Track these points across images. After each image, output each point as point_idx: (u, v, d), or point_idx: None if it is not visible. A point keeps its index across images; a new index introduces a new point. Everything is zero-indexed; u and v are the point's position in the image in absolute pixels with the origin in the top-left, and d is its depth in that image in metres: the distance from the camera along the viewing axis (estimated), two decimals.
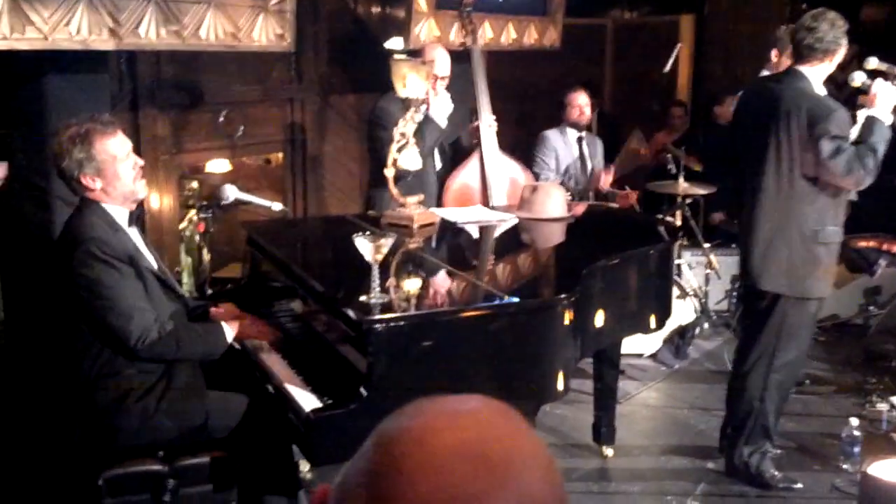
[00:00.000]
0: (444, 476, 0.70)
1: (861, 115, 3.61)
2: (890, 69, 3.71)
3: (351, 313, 2.67)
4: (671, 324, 5.33)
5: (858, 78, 3.64)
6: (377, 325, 2.58)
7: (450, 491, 0.69)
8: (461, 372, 2.68)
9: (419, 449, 0.71)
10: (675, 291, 5.37)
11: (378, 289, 2.75)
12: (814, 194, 3.59)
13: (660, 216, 5.59)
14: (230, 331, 2.97)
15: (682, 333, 5.44)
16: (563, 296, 2.86)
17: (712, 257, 5.75)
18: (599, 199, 5.61)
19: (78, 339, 2.86)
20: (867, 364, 5.18)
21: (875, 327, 5.40)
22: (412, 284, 3.00)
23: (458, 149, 4.87)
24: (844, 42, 3.57)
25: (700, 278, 5.83)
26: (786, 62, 4.79)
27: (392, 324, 2.61)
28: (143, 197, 3.06)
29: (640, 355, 5.37)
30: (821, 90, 3.62)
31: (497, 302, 2.81)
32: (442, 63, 4.40)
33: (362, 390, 2.53)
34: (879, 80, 3.60)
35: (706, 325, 5.75)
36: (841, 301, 5.74)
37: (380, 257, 2.77)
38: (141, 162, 2.95)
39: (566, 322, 2.83)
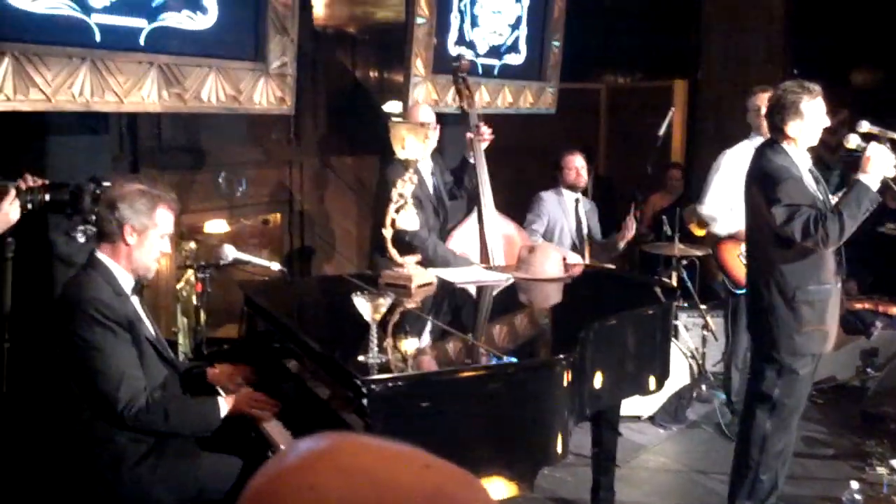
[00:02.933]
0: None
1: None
2: (882, 132, 3.75)
3: (349, 373, 2.65)
4: (669, 386, 5.32)
5: (853, 140, 3.70)
6: (375, 385, 2.56)
7: None
8: (459, 433, 2.66)
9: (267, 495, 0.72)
10: (676, 353, 5.40)
11: (376, 348, 2.73)
12: (789, 255, 3.68)
13: (656, 277, 5.60)
14: (225, 406, 2.94)
15: (680, 395, 5.41)
16: (561, 356, 2.85)
17: (709, 318, 5.75)
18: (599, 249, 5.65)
19: (71, 401, 2.85)
20: (865, 427, 5.15)
21: (873, 389, 5.38)
22: (410, 344, 3.00)
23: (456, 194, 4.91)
24: (806, 107, 3.63)
25: (697, 340, 5.83)
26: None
27: (390, 384, 2.60)
28: (149, 278, 3.12)
29: (638, 417, 5.33)
30: (800, 159, 3.70)
31: (495, 362, 2.80)
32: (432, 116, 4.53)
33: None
34: (874, 144, 3.64)
35: (704, 387, 5.72)
36: (838, 363, 5.73)
37: (378, 317, 2.77)
38: (169, 250, 3.06)
39: (565, 383, 2.81)
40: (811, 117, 3.65)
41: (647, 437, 5.15)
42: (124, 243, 2.88)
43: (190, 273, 4.90)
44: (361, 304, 2.77)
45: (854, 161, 4.11)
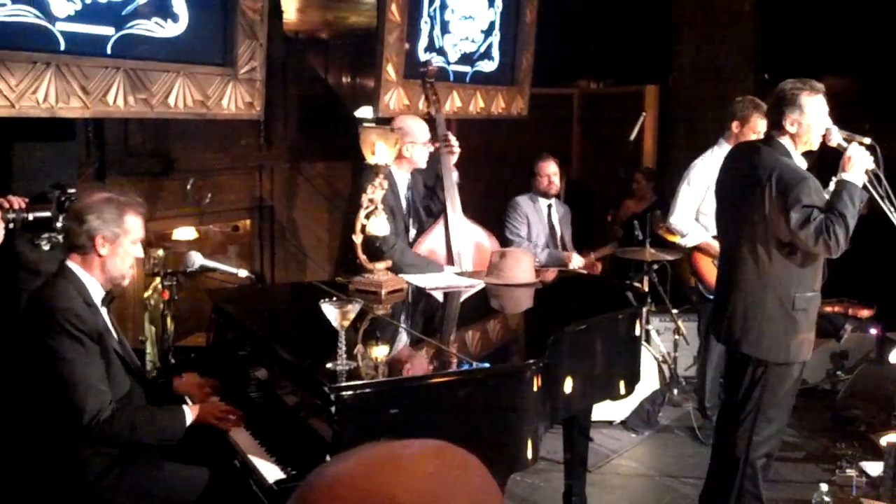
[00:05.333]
0: None
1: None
2: (850, 136, 3.73)
3: (317, 381, 2.63)
4: (641, 390, 5.33)
5: (835, 138, 3.63)
6: (344, 393, 2.54)
7: None
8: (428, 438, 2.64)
9: (328, 487, 0.71)
10: (648, 357, 5.41)
11: (345, 356, 2.71)
12: (790, 260, 3.60)
13: (628, 282, 5.61)
14: (190, 415, 2.91)
15: (652, 400, 5.42)
16: (531, 361, 2.84)
17: (680, 323, 5.77)
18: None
19: (35, 412, 2.80)
20: (836, 429, 5.18)
21: (842, 392, 5.41)
22: (379, 351, 2.98)
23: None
24: (805, 101, 3.57)
25: (669, 344, 5.84)
26: (746, 133, 4.89)
27: (358, 391, 2.58)
28: (124, 285, 3.07)
29: (610, 423, 5.34)
30: (799, 159, 3.65)
31: (465, 368, 2.79)
32: (422, 132, 4.49)
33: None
34: (855, 144, 3.60)
35: (675, 392, 5.74)
36: (808, 366, 5.71)
37: (346, 323, 2.74)
38: (141, 255, 3.00)
39: (535, 388, 2.80)
40: (811, 113, 3.57)
41: (619, 442, 5.16)
42: (97, 254, 2.84)
43: (157, 281, 4.84)
44: (329, 310, 2.75)
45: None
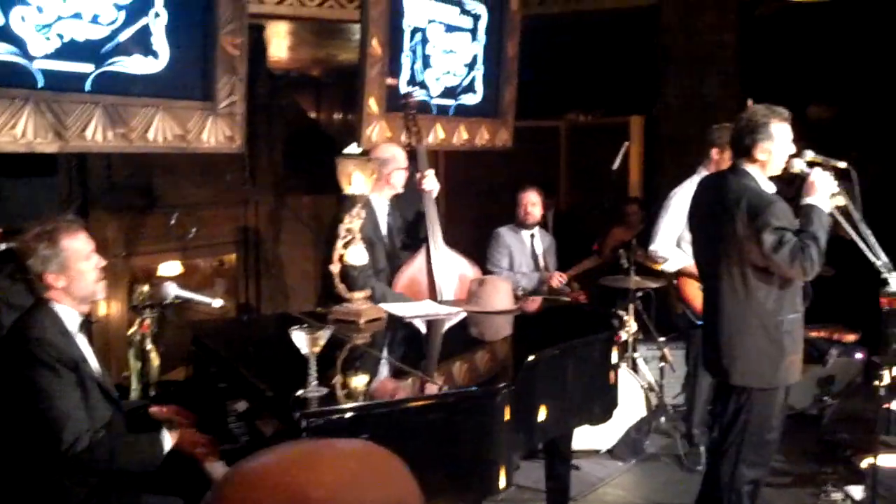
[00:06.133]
0: None
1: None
2: (825, 161, 3.80)
3: (287, 407, 2.64)
4: (627, 419, 5.33)
5: (798, 164, 3.69)
6: (313, 419, 2.55)
7: None
8: None
9: (242, 485, 0.73)
10: (633, 385, 5.41)
11: (315, 382, 2.73)
12: (768, 284, 3.62)
13: (613, 310, 5.63)
14: (168, 441, 2.92)
15: (638, 428, 5.41)
16: (501, 385, 2.86)
17: (666, 351, 5.78)
18: (552, 295, 5.67)
19: (15, 444, 2.82)
20: (822, 454, 5.17)
21: (829, 417, 5.41)
22: (351, 377, 3.00)
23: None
24: (775, 129, 3.62)
25: (655, 372, 5.85)
26: (726, 159, 4.94)
27: (327, 417, 2.59)
28: (101, 298, 3.07)
29: (597, 451, 5.32)
30: (766, 185, 3.68)
31: (434, 392, 2.81)
32: (400, 157, 4.56)
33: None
34: (818, 169, 3.66)
35: (663, 419, 5.73)
36: (795, 392, 5.70)
37: (317, 350, 2.76)
38: (103, 262, 2.98)
39: (506, 411, 2.82)
40: (780, 140, 3.62)
41: (605, 470, 5.14)
42: (55, 288, 2.86)
43: (148, 319, 4.86)
44: (299, 337, 2.77)
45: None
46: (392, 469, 0.83)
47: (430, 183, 4.71)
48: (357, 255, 3.85)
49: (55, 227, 2.83)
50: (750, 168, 3.67)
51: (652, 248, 5.31)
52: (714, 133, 5.07)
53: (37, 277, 2.83)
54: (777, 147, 3.63)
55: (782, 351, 3.64)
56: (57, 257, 2.81)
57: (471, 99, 6.19)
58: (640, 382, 5.52)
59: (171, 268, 5.17)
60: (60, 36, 3.55)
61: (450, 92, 5.99)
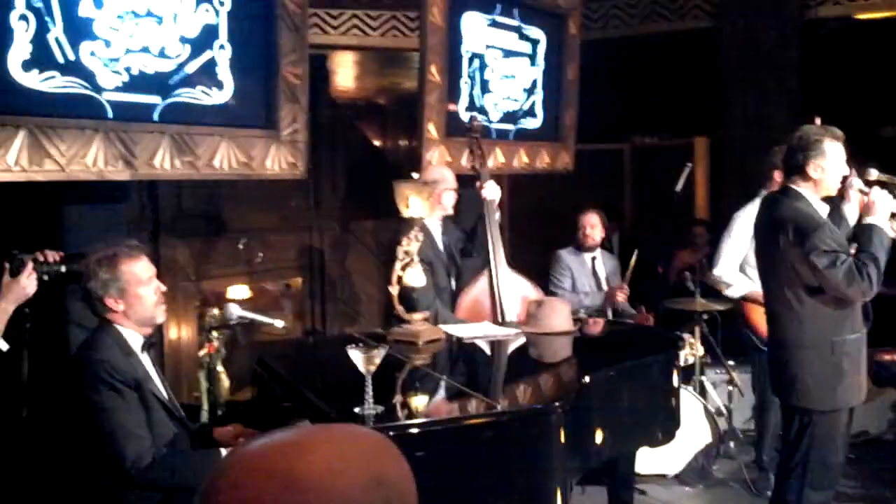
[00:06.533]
0: (246, 489, 0.75)
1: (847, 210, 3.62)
2: (890, 179, 3.74)
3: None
4: (695, 443, 5.25)
5: (857, 183, 3.67)
6: None
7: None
8: (455, 483, 2.67)
9: (234, 469, 0.77)
10: (700, 409, 5.33)
11: (371, 400, 2.78)
12: (823, 305, 3.57)
13: (677, 333, 5.55)
14: None
15: (706, 453, 5.31)
16: (557, 403, 2.86)
17: (734, 374, 5.68)
18: (617, 316, 5.63)
19: (83, 462, 2.92)
20: None
21: None
22: (408, 396, 3.03)
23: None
24: (828, 147, 3.58)
25: (723, 396, 5.74)
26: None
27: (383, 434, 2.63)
28: (161, 322, 3.18)
29: (664, 476, 5.25)
30: (819, 206, 3.64)
31: (490, 411, 2.82)
32: (449, 178, 4.63)
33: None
34: (877, 189, 3.62)
35: (731, 444, 5.62)
36: (869, 416, 5.60)
37: (373, 368, 2.81)
38: (163, 287, 3.08)
39: (562, 431, 2.81)
40: (833, 159, 3.58)
41: (672, 495, 5.06)
42: (115, 311, 2.97)
43: (214, 340, 5.00)
44: (356, 355, 2.82)
45: None
46: (383, 451, 0.86)
47: (491, 190, 4.73)
48: (415, 276, 3.91)
49: (115, 253, 2.94)
50: (802, 188, 3.63)
51: (715, 272, 5.25)
52: (776, 155, 4.98)
53: (98, 300, 2.94)
54: (830, 165, 3.59)
55: (841, 372, 3.58)
56: (117, 281, 2.92)
57: (531, 123, 6.23)
58: (707, 406, 5.43)
59: (239, 291, 5.30)
60: (129, 69, 3.71)
61: (510, 117, 6.03)
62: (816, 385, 3.60)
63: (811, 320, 3.59)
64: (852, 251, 3.56)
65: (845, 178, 3.68)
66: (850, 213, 3.77)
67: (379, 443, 0.86)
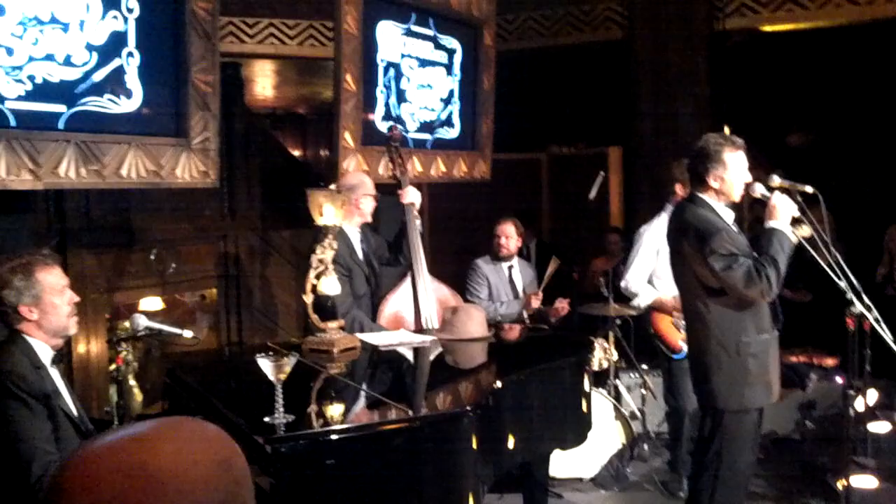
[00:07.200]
0: (102, 489, 0.75)
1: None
2: (792, 186, 3.85)
3: (250, 434, 2.67)
4: (609, 446, 5.34)
5: (759, 189, 3.75)
6: (278, 445, 2.58)
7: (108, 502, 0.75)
8: (367, 490, 2.67)
9: (80, 470, 0.78)
10: (612, 413, 5.44)
11: (282, 409, 2.76)
12: (727, 307, 3.68)
13: (591, 337, 5.65)
14: None
15: (621, 456, 5.42)
16: (468, 407, 2.89)
17: (647, 378, 5.80)
18: (536, 321, 5.69)
19: None
20: (803, 478, 5.17)
21: (809, 440, 5.42)
22: (320, 404, 3.02)
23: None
24: (728, 157, 3.68)
25: (637, 399, 5.86)
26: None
27: (292, 443, 2.62)
28: (73, 333, 3.12)
29: (579, 479, 5.32)
30: (724, 212, 3.75)
31: (400, 417, 2.83)
32: (367, 184, 4.64)
33: None
34: (777, 193, 3.72)
35: (645, 446, 5.74)
36: (777, 417, 5.76)
37: (283, 377, 2.79)
38: (76, 298, 3.03)
39: (473, 436, 2.84)
40: (733, 168, 3.69)
41: (587, 499, 5.14)
42: (28, 321, 2.90)
43: (123, 352, 4.89)
44: (265, 364, 2.80)
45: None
46: (210, 434, 0.89)
47: (412, 195, 4.75)
48: (330, 285, 3.90)
49: (30, 261, 2.89)
50: (706, 196, 3.75)
51: (623, 283, 5.38)
52: (676, 169, 5.12)
53: (11, 309, 2.87)
54: (731, 175, 3.70)
55: (747, 373, 3.68)
56: (31, 289, 2.87)
57: (448, 133, 6.28)
58: (622, 410, 5.54)
59: (152, 303, 5.20)
60: (32, 78, 3.62)
61: (427, 126, 6.07)
62: (725, 385, 3.70)
63: (717, 322, 3.70)
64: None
65: (748, 185, 3.80)
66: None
67: (219, 432, 0.90)
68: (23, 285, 2.85)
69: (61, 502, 0.79)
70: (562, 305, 5.71)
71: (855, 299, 3.71)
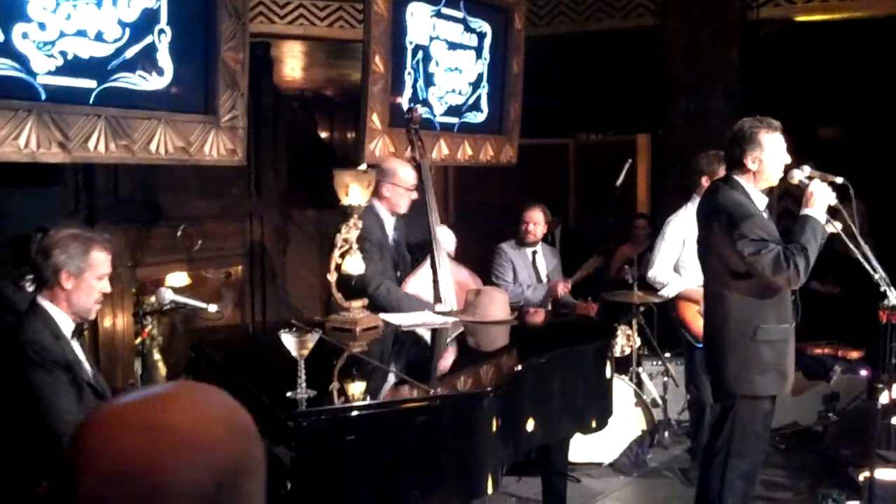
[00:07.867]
0: (120, 446, 0.77)
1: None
2: (822, 176, 3.81)
3: (273, 408, 2.69)
4: (630, 432, 5.34)
5: (797, 175, 3.68)
6: (299, 419, 2.60)
7: (127, 458, 0.78)
8: (386, 467, 2.69)
9: (99, 428, 0.79)
10: (634, 399, 5.43)
11: (304, 384, 2.78)
12: (749, 293, 3.65)
13: (615, 324, 5.64)
14: None
15: (641, 442, 5.41)
16: (489, 388, 2.90)
17: (670, 366, 5.79)
18: (559, 308, 5.69)
19: (18, 447, 2.89)
20: (824, 470, 5.14)
21: (831, 432, 5.38)
22: (342, 381, 3.05)
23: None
24: (765, 139, 3.63)
25: (659, 387, 5.85)
26: None
27: (314, 417, 2.64)
28: (91, 319, 3.18)
29: (599, 464, 5.33)
30: (757, 196, 3.71)
31: (421, 395, 2.85)
32: (402, 175, 4.58)
33: (287, 484, 2.53)
34: (817, 181, 3.66)
35: (666, 434, 5.73)
36: (800, 408, 5.74)
37: (305, 353, 2.81)
38: (108, 289, 3.10)
39: (493, 416, 2.85)
40: (771, 150, 3.63)
41: (605, 484, 5.14)
42: (61, 288, 2.95)
43: (149, 326, 4.95)
44: (288, 340, 2.83)
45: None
46: (230, 400, 0.91)
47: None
48: (354, 264, 3.91)
49: (93, 237, 3.01)
50: (742, 179, 3.69)
51: (650, 274, 5.36)
52: (702, 161, 5.08)
53: (53, 270, 2.93)
54: (768, 157, 3.65)
55: (760, 360, 3.66)
56: (81, 261, 2.94)
57: (476, 117, 6.26)
58: (643, 396, 5.53)
59: (177, 279, 5.25)
60: (64, 53, 3.65)
61: (455, 110, 6.06)
62: (738, 370, 3.68)
63: (738, 305, 3.67)
64: None
65: (787, 169, 3.74)
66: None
67: (226, 396, 0.91)
68: (76, 253, 2.93)
69: (80, 459, 0.81)
70: (591, 307, 5.71)
71: (889, 292, 3.66)
